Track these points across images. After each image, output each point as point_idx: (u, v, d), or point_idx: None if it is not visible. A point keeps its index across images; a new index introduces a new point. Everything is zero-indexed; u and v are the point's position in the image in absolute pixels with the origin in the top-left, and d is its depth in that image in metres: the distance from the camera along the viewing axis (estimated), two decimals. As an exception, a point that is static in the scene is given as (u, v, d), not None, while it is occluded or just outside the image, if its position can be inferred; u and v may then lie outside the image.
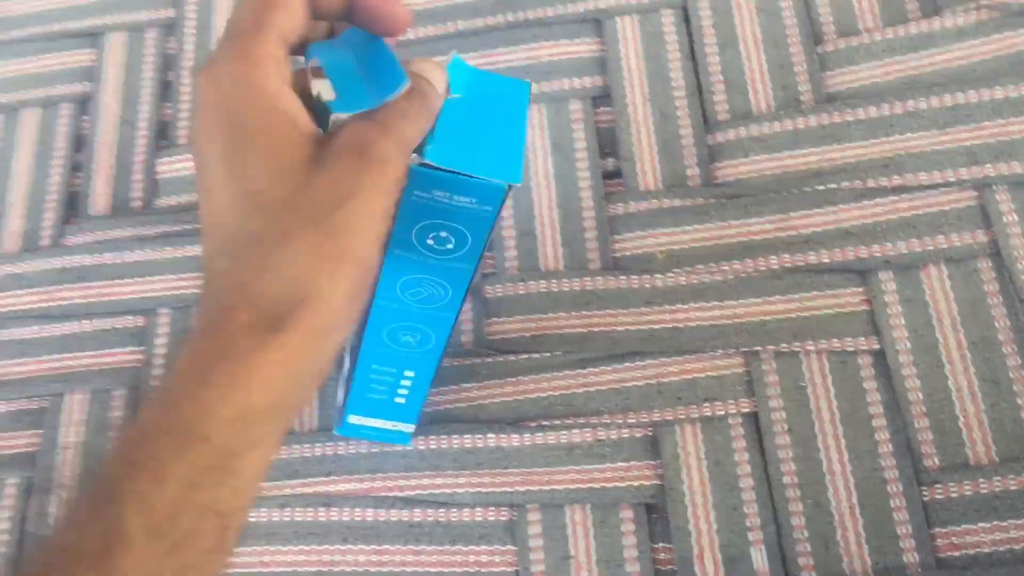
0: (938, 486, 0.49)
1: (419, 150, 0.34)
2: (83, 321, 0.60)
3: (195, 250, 0.61)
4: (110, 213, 0.63)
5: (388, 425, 0.51)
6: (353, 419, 0.50)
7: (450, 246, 0.37)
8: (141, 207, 0.63)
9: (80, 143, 0.66)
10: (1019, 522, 0.47)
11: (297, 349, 0.29)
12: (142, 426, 0.29)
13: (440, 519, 0.52)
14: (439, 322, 0.42)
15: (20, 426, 0.58)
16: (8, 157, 0.66)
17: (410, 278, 0.39)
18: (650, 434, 0.52)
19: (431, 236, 0.37)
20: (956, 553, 0.47)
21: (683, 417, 0.52)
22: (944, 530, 0.48)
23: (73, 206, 0.64)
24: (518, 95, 0.37)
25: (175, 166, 0.64)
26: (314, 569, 0.52)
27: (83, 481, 0.27)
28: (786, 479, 0.50)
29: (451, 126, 0.35)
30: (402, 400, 0.48)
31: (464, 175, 0.35)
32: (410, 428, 0.51)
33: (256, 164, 0.30)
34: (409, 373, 0.46)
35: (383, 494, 0.53)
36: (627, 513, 0.51)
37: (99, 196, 0.64)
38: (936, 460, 0.49)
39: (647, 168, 0.58)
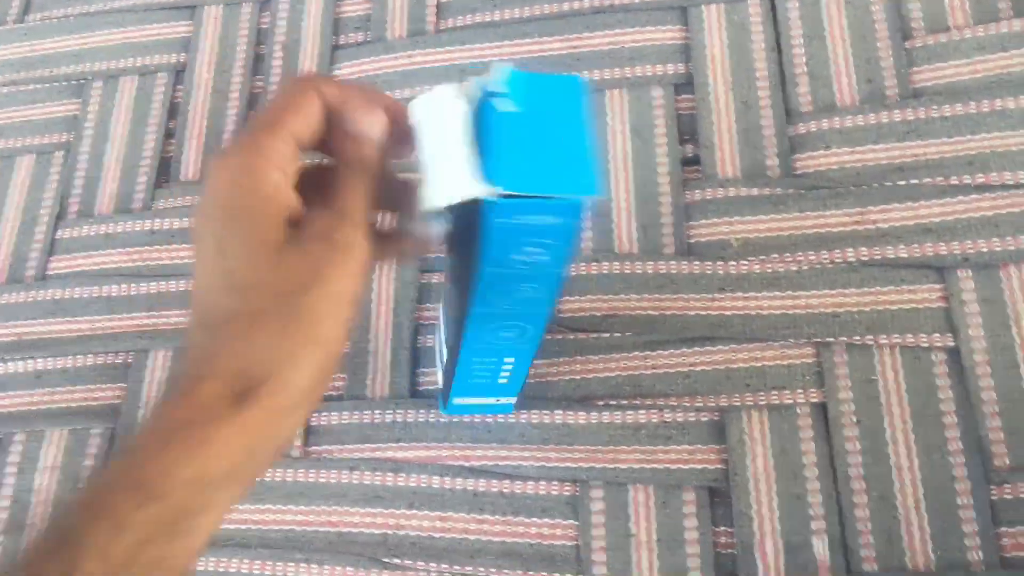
0: (1007, 486, 0.48)
1: (491, 177, 0.32)
2: (170, 281, 0.63)
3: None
4: (199, 179, 0.66)
5: (491, 401, 0.52)
6: (458, 400, 0.51)
7: (541, 256, 0.37)
8: (229, 175, 0.65)
9: (174, 111, 0.68)
10: (1090, 526, 0.47)
11: (257, 424, 0.31)
12: (106, 477, 0.30)
13: (504, 490, 0.53)
14: (535, 317, 0.42)
15: (106, 379, 0.61)
16: (106, 122, 0.68)
17: (504, 287, 0.39)
18: (716, 419, 0.53)
19: (521, 252, 0.37)
20: (1022, 553, 0.47)
21: (750, 403, 0.52)
22: (1011, 529, 0.48)
23: (165, 171, 0.67)
24: (573, 94, 0.35)
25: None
26: (379, 531, 0.54)
27: (45, 524, 0.29)
28: (852, 471, 0.50)
29: (515, 143, 0.33)
30: (505, 380, 0.49)
31: (544, 197, 0.32)
32: (512, 400, 0.52)
33: (237, 244, 0.32)
34: (509, 360, 0.46)
35: (450, 463, 0.54)
36: (689, 495, 0.52)
37: (190, 163, 0.66)
38: (1007, 460, 0.49)
39: (726, 156, 0.58)
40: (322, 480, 0.55)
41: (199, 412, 0.30)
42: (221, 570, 0.54)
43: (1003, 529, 0.48)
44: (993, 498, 0.48)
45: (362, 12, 0.69)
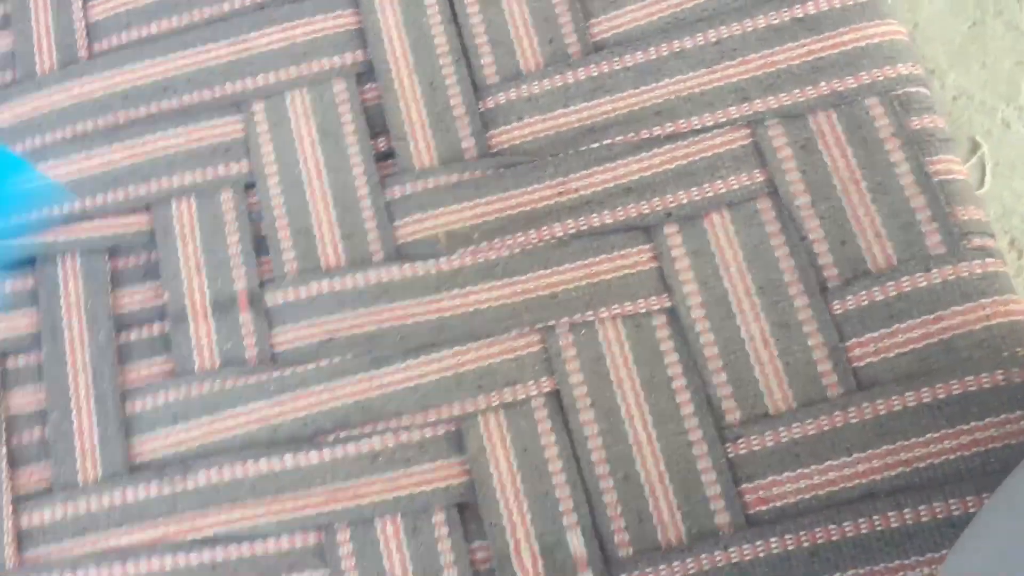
0: (741, 441, 0.48)
1: None
2: None
3: None
4: None
5: None
6: None
7: None
8: None
9: None
10: (821, 467, 0.47)
11: None
12: None
13: (244, 555, 0.49)
14: None
15: None
16: None
17: None
18: (453, 430, 0.50)
19: None
20: (764, 507, 0.47)
21: (484, 407, 0.50)
22: (751, 485, 0.47)
23: None
24: None
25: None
26: (118, 629, 0.49)
27: None
28: (594, 456, 0.49)
29: None
30: None
31: None
32: None
33: None
34: None
35: (180, 539, 0.50)
36: (439, 516, 0.49)
37: None
38: (737, 415, 0.48)
39: (420, 144, 0.55)
40: (43, 587, 0.50)
41: None
42: None
43: (744, 486, 0.47)
44: (730, 456, 0.48)
45: (4, 49, 0.60)
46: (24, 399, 0.54)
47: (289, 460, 0.50)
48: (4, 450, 0.52)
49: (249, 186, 0.55)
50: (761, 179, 0.51)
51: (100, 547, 0.50)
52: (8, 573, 0.50)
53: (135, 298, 0.55)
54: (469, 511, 0.49)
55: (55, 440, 0.52)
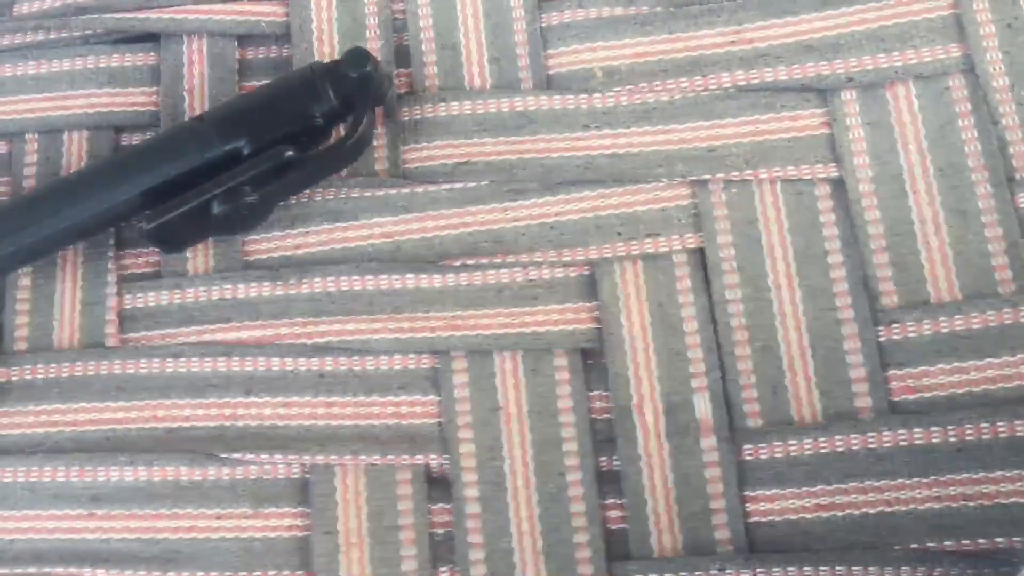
0: (895, 326, 0.45)
1: None
2: (-66, 148, 0.52)
3: (62, 64, 0.53)
4: (-41, 20, 0.54)
5: None
6: None
7: None
8: (-5, 13, 0.54)
9: (-83, -64, 0.56)
10: (980, 363, 0.44)
11: None
12: None
13: (355, 368, 0.47)
14: None
15: None
16: None
17: None
18: (587, 273, 0.47)
19: None
20: (911, 396, 0.44)
21: (623, 254, 0.47)
22: (900, 372, 0.45)
23: None
24: None
25: (33, -36, 0.55)
26: (214, 423, 0.47)
27: None
28: (733, 321, 0.46)
29: None
30: None
31: None
32: None
33: None
34: None
35: (290, 342, 0.47)
36: (561, 360, 0.47)
37: (-56, 0, 0.55)
38: (895, 298, 0.45)
39: (586, -29, 0.51)
40: (143, 371, 0.48)
41: None
42: (33, 480, 0.47)
43: (891, 372, 0.45)
44: (881, 339, 0.45)
45: None
46: (137, 179, 0.51)
47: (411, 280, 0.48)
48: (113, 228, 0.50)
49: (396, -9, 0.52)
50: (958, 54, 0.47)
51: (205, 339, 0.48)
52: (108, 351, 0.49)
53: (261, 92, 0.52)
54: (592, 359, 0.47)
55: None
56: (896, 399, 0.44)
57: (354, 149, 0.47)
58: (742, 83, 0.48)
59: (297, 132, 0.47)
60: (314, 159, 0.47)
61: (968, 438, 0.43)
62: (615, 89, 0.49)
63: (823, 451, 0.44)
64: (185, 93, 0.51)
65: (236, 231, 0.48)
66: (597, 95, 0.49)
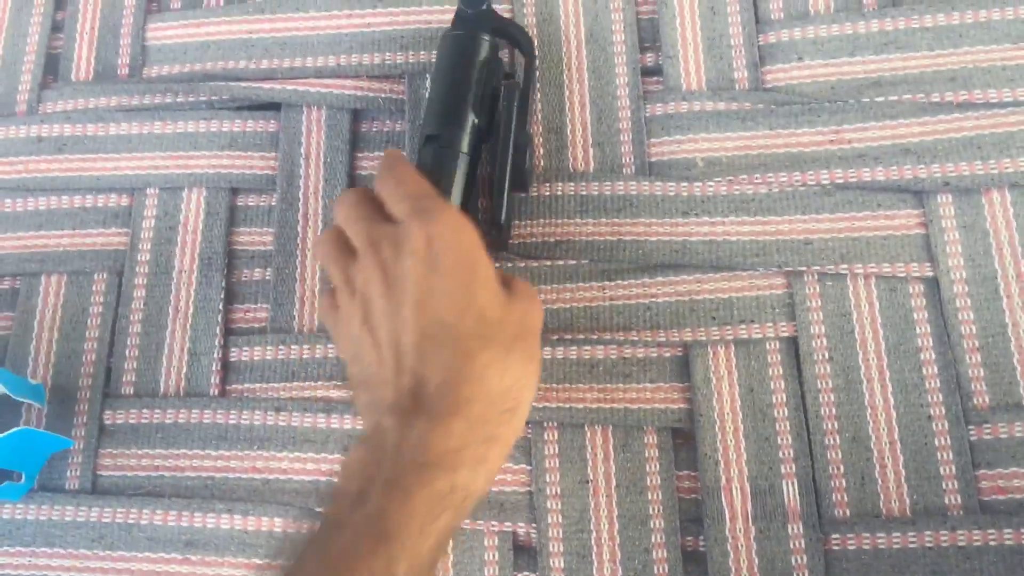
0: (987, 426, 0.46)
1: None
2: (62, 197, 0.55)
3: (187, 126, 0.55)
4: (93, 79, 0.58)
5: None
6: None
7: None
8: (127, 74, 0.57)
9: (60, 0, 0.60)
10: (1072, 468, 0.44)
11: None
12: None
13: (450, 432, 0.48)
14: None
15: (-10, 307, 0.53)
16: (-20, 10, 0.59)
17: None
18: (680, 354, 0.49)
19: None
20: (1002, 496, 0.45)
21: (716, 338, 0.49)
22: (990, 472, 0.45)
23: (53, 70, 0.58)
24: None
25: (167, 32, 0.58)
26: (310, 478, 0.48)
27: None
28: (823, 410, 0.47)
29: None
30: None
31: None
32: None
33: (484, 290, 0.39)
34: None
35: (389, 402, 0.49)
36: (651, 437, 0.48)
37: (81, 60, 0.58)
38: (986, 398, 0.46)
39: (691, 67, 0.53)
40: (244, 422, 0.50)
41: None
42: (132, 522, 0.49)
43: (982, 472, 0.45)
44: (972, 439, 0.46)
45: None
46: (250, 238, 0.53)
47: (508, 350, 0.49)
48: (224, 282, 0.52)
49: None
50: (1054, 165, 0.49)
51: (307, 395, 0.50)
52: (211, 400, 0.50)
53: (373, 162, 0.54)
54: (682, 439, 0.48)
55: (277, 283, 0.52)
56: (985, 499, 0.45)
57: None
58: (840, 180, 0.50)
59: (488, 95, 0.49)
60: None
61: (1059, 542, 0.43)
62: (715, 179, 0.51)
63: (911, 546, 0.44)
64: (302, 160, 0.54)
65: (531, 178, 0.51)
66: (697, 184, 0.51)
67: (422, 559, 0.35)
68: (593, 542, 0.46)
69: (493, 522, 0.47)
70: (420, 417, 0.36)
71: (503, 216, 0.48)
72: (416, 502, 0.35)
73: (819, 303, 0.48)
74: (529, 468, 0.48)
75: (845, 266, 0.49)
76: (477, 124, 0.48)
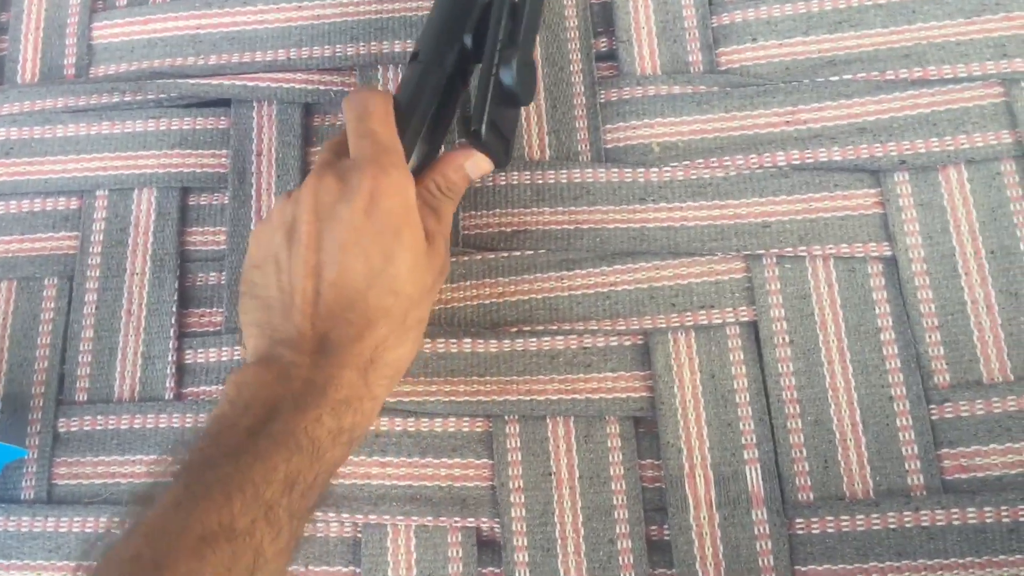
0: (948, 404, 0.45)
1: None
2: (9, 202, 0.54)
3: (135, 125, 0.54)
4: (39, 81, 0.56)
5: None
6: None
7: None
8: (74, 75, 0.56)
9: (4, 2, 0.59)
10: (1034, 444, 0.44)
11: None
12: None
13: (409, 429, 0.48)
14: None
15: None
16: (-80, 13, 0.58)
17: None
18: (640, 342, 0.48)
19: None
20: (964, 475, 0.45)
21: (677, 325, 0.48)
22: (952, 451, 0.45)
23: (-4, 72, 0.57)
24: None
25: (113, 30, 0.57)
26: (270, 480, 0.48)
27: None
28: (785, 394, 0.47)
29: None
30: None
31: None
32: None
33: (404, 253, 0.40)
34: None
35: (347, 401, 0.48)
36: (614, 427, 0.47)
37: (27, 62, 0.57)
38: (947, 377, 0.46)
39: (645, 51, 0.53)
40: (200, 425, 0.49)
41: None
42: (89, 531, 0.48)
43: (944, 451, 0.45)
44: (933, 418, 0.45)
45: None
46: (203, 238, 0.53)
47: (467, 344, 0.49)
48: (177, 284, 0.51)
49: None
50: (1009, 140, 0.48)
51: (264, 395, 0.49)
52: (166, 404, 0.50)
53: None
54: (644, 428, 0.47)
55: (231, 283, 0.51)
56: (948, 478, 0.45)
57: None
58: (796, 162, 0.49)
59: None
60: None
61: (1021, 518, 0.43)
62: (671, 164, 0.50)
63: (875, 527, 0.44)
64: (253, 157, 0.53)
65: (531, 94, 0.46)
66: (654, 169, 0.50)
67: (327, 475, 0.38)
68: (557, 535, 0.46)
69: (456, 518, 0.47)
70: (327, 359, 0.39)
71: (482, 126, 0.44)
72: (326, 427, 0.37)
73: (778, 286, 0.48)
74: (491, 463, 0.47)
75: (803, 248, 0.48)
76: (467, 46, 0.46)
